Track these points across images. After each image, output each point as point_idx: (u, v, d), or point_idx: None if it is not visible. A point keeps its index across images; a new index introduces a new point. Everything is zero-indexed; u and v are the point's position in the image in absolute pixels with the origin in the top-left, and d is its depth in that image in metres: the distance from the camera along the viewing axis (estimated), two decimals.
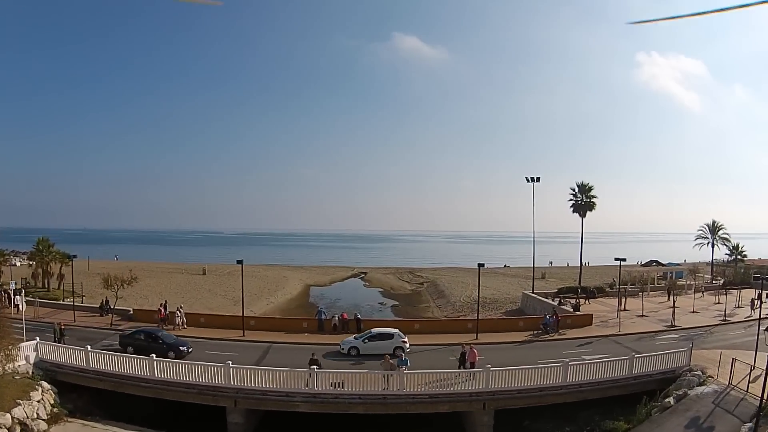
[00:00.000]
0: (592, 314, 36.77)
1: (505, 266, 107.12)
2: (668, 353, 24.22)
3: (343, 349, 26.88)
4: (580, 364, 22.39)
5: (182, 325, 33.47)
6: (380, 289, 77.29)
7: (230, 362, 21.44)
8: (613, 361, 23.15)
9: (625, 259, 38.89)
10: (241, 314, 33.54)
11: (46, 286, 53.77)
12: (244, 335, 31.23)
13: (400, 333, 27.33)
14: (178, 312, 34.00)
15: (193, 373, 21.80)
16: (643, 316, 39.22)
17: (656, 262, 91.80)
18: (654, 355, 24.11)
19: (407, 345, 26.57)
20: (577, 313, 37.84)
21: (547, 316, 33.64)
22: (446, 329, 34.93)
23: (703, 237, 67.94)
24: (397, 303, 64.09)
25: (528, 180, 50.63)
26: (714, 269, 66.55)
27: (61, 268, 53.76)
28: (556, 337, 32.47)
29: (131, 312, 37.23)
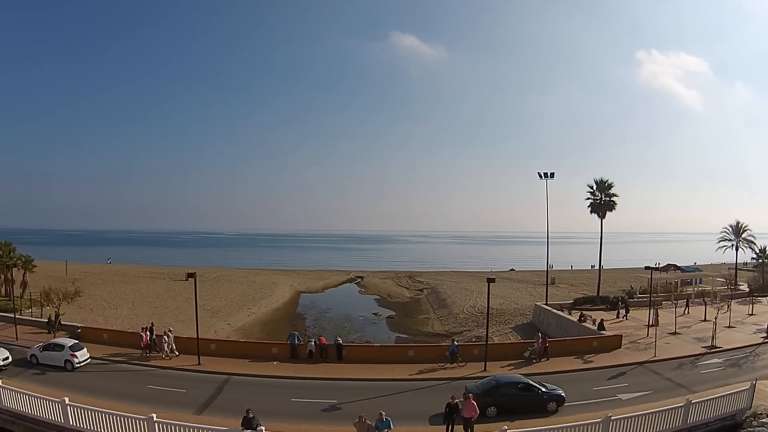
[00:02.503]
0: (621, 335, 31.01)
1: (511, 270, 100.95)
2: (729, 395, 19.00)
3: (27, 356, 25.89)
4: (624, 418, 16.79)
5: (171, 352, 27.00)
6: (376, 297, 71.66)
7: (154, 415, 16.01)
8: (664, 410, 17.62)
9: (657, 268, 33.47)
10: (217, 332, 28.11)
11: (8, 294, 48.81)
12: (199, 363, 25.59)
13: (76, 345, 25.76)
14: (165, 337, 27.32)
15: (109, 423, 16.54)
16: (675, 333, 33.83)
17: (674, 266, 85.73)
18: (712, 398, 18.73)
19: (77, 359, 25.08)
20: (604, 333, 31.99)
21: (455, 342, 28.14)
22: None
23: (726, 239, 63.08)
24: (393, 313, 58.30)
25: (541, 176, 45.23)
26: (738, 273, 61.56)
27: (24, 275, 49.32)
28: (583, 366, 26.87)
29: (79, 330, 31.63)
